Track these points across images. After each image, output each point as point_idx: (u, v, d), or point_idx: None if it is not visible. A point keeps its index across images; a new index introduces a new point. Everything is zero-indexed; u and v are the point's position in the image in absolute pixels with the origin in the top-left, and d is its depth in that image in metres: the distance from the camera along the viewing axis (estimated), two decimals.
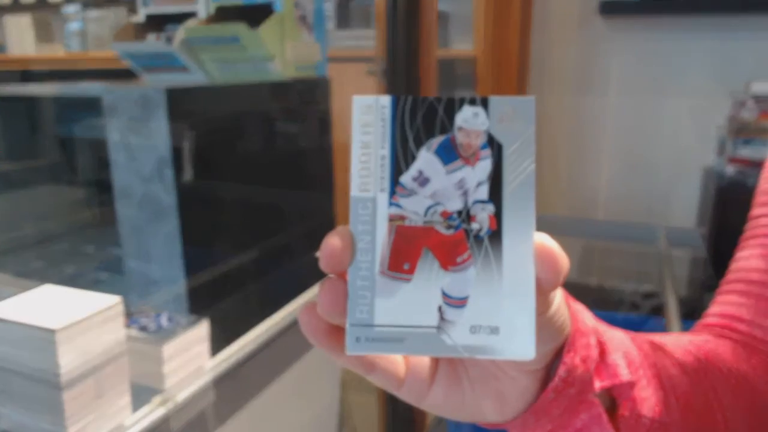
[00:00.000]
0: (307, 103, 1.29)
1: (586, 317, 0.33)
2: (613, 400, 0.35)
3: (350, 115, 0.25)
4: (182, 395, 0.77)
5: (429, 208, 0.25)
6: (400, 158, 0.25)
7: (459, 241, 0.25)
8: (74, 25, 3.04)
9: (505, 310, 0.25)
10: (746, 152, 1.80)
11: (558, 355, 0.31)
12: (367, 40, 2.26)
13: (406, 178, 0.25)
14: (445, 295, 0.25)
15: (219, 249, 1.08)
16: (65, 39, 3.10)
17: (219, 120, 1.06)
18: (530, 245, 0.25)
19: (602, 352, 0.33)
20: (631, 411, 0.34)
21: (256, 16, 1.13)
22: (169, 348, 0.76)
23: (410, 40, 1.55)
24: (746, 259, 0.49)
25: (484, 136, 0.25)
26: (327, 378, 1.22)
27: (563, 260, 0.26)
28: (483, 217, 0.25)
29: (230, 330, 0.95)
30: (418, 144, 0.25)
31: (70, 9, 3.04)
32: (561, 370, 0.30)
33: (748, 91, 1.83)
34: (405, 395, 0.31)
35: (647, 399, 0.35)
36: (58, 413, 0.61)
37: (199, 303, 0.99)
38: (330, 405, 1.23)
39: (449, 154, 0.25)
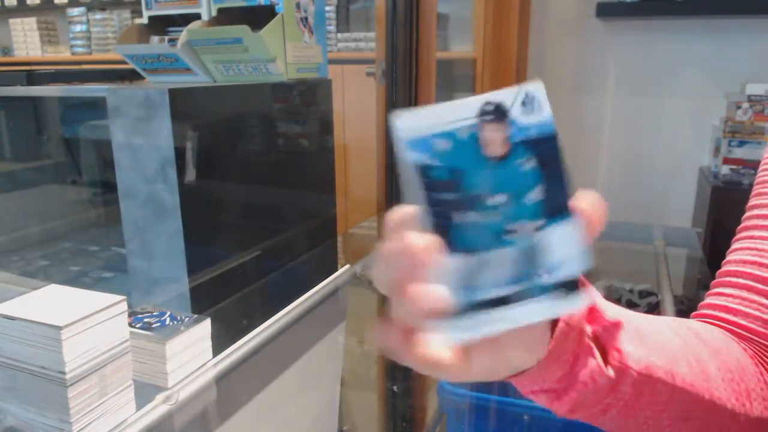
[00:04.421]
0: (308, 104, 1.30)
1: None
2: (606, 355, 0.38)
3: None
4: (185, 393, 0.78)
5: None
6: None
7: None
8: (79, 28, 3.05)
9: None
10: (741, 153, 1.81)
11: None
12: (367, 42, 2.27)
13: None
14: None
15: (221, 248, 1.09)
16: (70, 41, 3.11)
17: (221, 121, 1.07)
18: None
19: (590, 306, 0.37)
20: (619, 362, 0.37)
21: (258, 17, 1.14)
22: (172, 346, 0.77)
23: (410, 42, 1.57)
24: (736, 252, 0.52)
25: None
26: (328, 376, 1.22)
27: None
28: None
29: (233, 328, 0.96)
30: None
31: (75, 11, 3.05)
32: (562, 318, 0.35)
33: (742, 92, 1.84)
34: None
35: (632, 353, 0.38)
36: (63, 410, 0.62)
37: (201, 302, 1.00)
38: (331, 403, 1.24)
39: None
